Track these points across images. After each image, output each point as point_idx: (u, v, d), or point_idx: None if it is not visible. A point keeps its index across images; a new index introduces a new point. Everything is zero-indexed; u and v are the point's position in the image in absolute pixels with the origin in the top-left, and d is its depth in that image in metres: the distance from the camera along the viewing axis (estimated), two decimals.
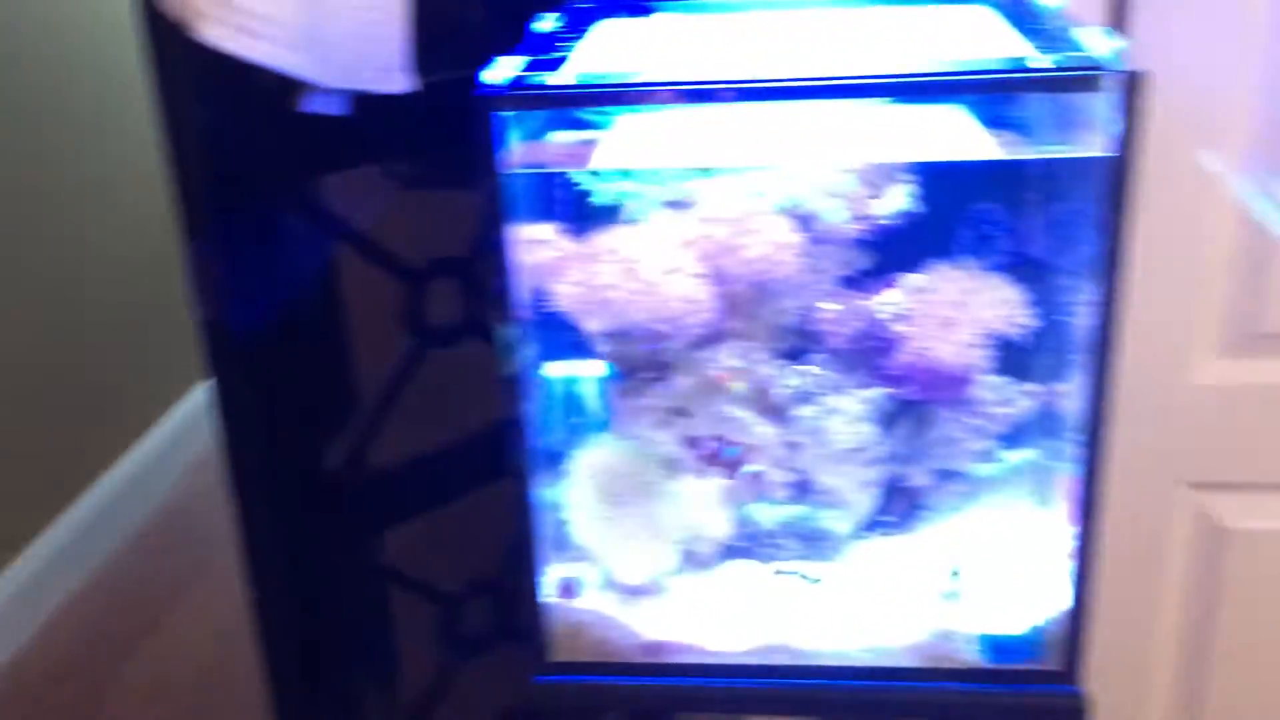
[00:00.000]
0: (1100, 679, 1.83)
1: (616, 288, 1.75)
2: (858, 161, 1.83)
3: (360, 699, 2.46)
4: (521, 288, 1.75)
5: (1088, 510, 1.54)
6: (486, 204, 1.52)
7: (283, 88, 1.55)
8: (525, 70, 1.60)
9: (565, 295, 1.78)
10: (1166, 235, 1.96)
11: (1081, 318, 1.60)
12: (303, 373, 2.15)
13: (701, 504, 1.88)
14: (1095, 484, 1.52)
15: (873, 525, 1.84)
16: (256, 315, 1.86)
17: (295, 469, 2.10)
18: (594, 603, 1.73)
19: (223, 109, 1.60)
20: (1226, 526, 1.90)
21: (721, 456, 1.73)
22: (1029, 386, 1.95)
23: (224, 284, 1.64)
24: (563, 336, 1.96)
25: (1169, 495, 1.92)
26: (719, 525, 1.91)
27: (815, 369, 1.81)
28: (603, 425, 2.01)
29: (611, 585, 1.76)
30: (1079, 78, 1.37)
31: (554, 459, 1.83)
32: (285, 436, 2.08)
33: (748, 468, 1.76)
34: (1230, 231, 1.94)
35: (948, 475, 1.96)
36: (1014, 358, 1.84)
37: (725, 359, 1.86)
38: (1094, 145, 1.49)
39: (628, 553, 1.78)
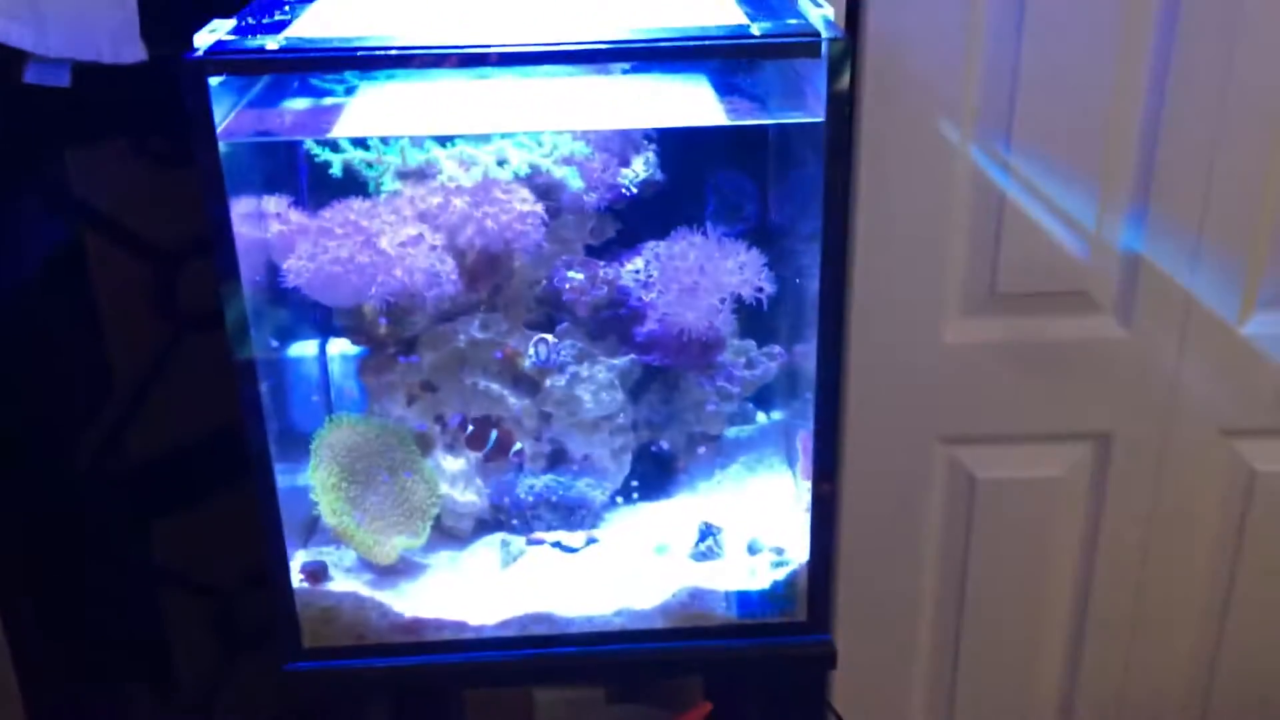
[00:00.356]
0: (866, 625, 1.89)
1: (353, 262, 1.70)
2: (597, 130, 1.83)
3: (130, 697, 2.33)
4: (256, 265, 1.68)
5: (824, 466, 1.58)
6: (202, 175, 1.44)
7: (3, 59, 1.43)
8: (240, 34, 1.53)
9: (300, 271, 1.72)
10: (912, 202, 2.04)
11: (816, 281, 1.68)
12: (48, 363, 2.01)
13: (454, 479, 1.85)
14: (831, 440, 1.57)
15: (627, 491, 1.83)
16: None
17: (44, 464, 1.96)
18: (346, 585, 1.66)
19: None
20: (976, 476, 1.99)
21: (489, 446, 1.70)
22: (772, 350, 2.01)
23: None
24: (301, 314, 1.89)
25: (924, 450, 1.99)
26: (472, 499, 1.89)
27: (557, 339, 1.79)
28: (356, 405, 1.96)
29: (363, 566, 1.71)
30: (789, 43, 1.40)
31: (298, 441, 1.76)
32: (31, 430, 1.93)
33: (515, 448, 1.73)
34: (967, 198, 2.03)
35: (697, 439, 1.99)
36: (757, 322, 1.91)
37: (472, 332, 1.83)
38: (816, 111, 1.53)
39: (378, 532, 1.73)
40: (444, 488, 1.65)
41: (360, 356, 1.80)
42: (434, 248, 1.66)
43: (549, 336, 1.73)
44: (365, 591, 1.60)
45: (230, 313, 1.44)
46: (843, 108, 1.35)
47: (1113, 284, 1.82)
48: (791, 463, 1.88)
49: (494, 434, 1.60)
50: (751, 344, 1.90)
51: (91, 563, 1.94)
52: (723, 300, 1.69)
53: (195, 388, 1.84)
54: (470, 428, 1.60)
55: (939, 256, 1.77)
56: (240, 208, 1.42)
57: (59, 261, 1.88)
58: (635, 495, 1.76)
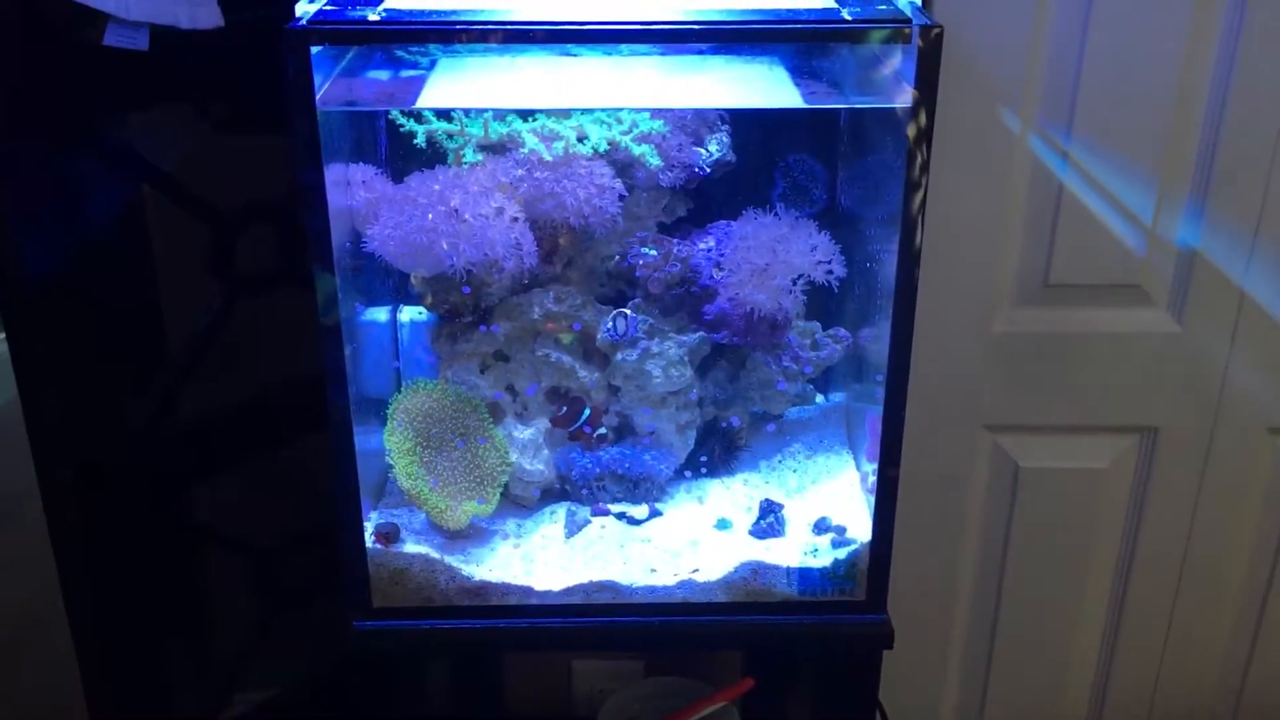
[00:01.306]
0: (902, 611, 1.92)
1: (436, 231, 1.72)
2: (676, 109, 1.85)
3: (170, 653, 2.37)
4: (337, 231, 1.71)
5: (888, 450, 1.60)
6: (298, 142, 1.47)
7: (81, 20, 1.46)
8: (336, 4, 1.56)
9: (384, 238, 1.75)
10: (969, 190, 2.03)
11: (887, 266, 1.64)
12: (105, 323, 2.04)
13: (523, 448, 1.88)
14: (897, 425, 1.58)
15: (692, 466, 1.81)
16: (53, 262, 1.76)
17: (99, 423, 2.00)
18: (416, 548, 1.68)
19: (11, 42, 1.50)
20: (1020, 465, 1.98)
21: (579, 425, 1.72)
22: (839, 332, 2.02)
23: (17, 230, 1.54)
24: (381, 281, 1.92)
25: (969, 437, 1.99)
26: (540, 469, 1.92)
27: (634, 314, 1.81)
28: (424, 371, 1.98)
29: (432, 530, 1.74)
30: (882, 28, 1.41)
31: (374, 406, 1.80)
32: (87, 389, 1.97)
33: (599, 431, 1.74)
34: (1024, 188, 2.03)
35: (762, 417, 2.01)
36: (822, 305, 1.85)
37: (547, 305, 1.86)
38: (896, 97, 1.54)
39: (449, 497, 1.76)
40: (514, 456, 1.66)
41: (433, 324, 1.82)
42: (514, 220, 1.67)
43: (628, 310, 1.75)
44: (435, 554, 1.60)
45: (320, 278, 1.46)
46: (932, 94, 1.36)
47: (1167, 279, 1.81)
48: (854, 446, 1.89)
49: (586, 411, 1.60)
50: (817, 325, 1.91)
51: (140, 520, 1.98)
52: (794, 281, 1.70)
53: (248, 350, 1.86)
54: (564, 408, 1.62)
55: (993, 246, 1.76)
56: (329, 175, 1.43)
57: (120, 222, 1.91)
58: (701, 470, 1.75)
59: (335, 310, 1.36)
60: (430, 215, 1.49)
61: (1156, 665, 2.09)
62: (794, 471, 1.80)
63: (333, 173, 1.54)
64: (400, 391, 1.60)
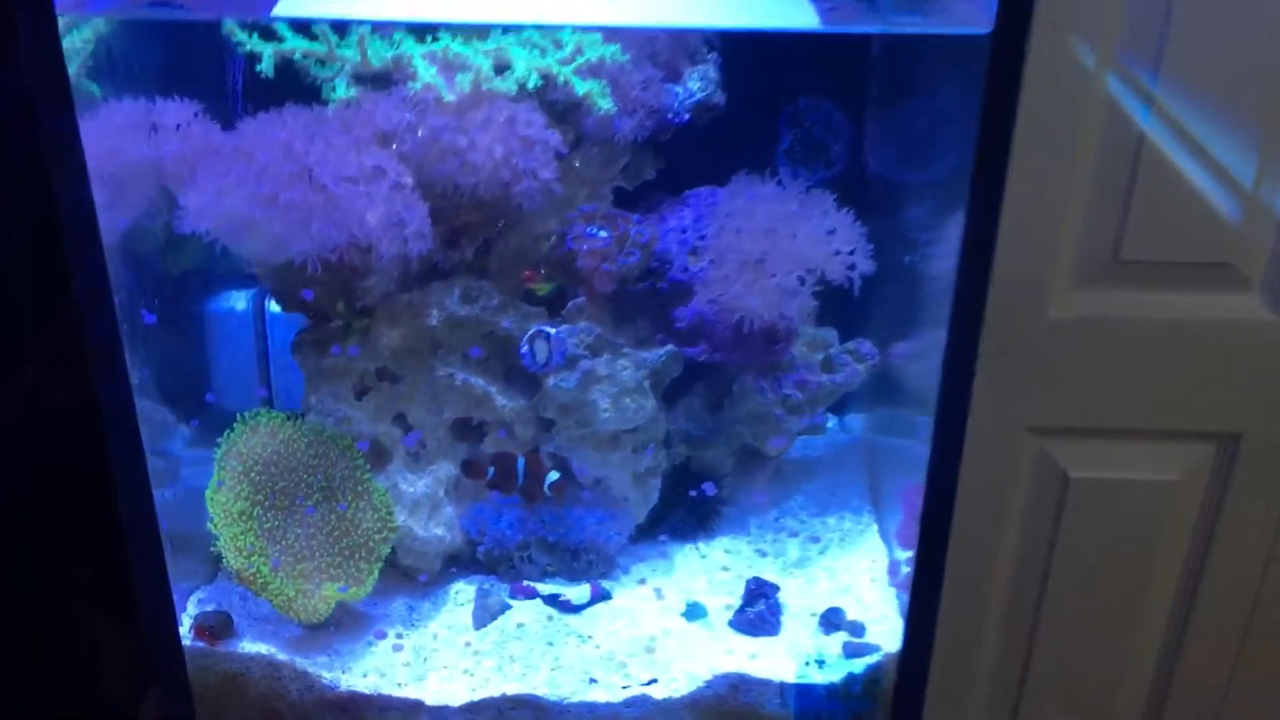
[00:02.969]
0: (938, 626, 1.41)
1: (281, 202, 1.20)
2: (639, 28, 1.32)
3: None
4: (137, 195, 1.20)
5: (934, 537, 1.10)
6: (30, 61, 0.96)
7: None
8: None
9: (203, 210, 1.22)
10: (1025, 142, 1.52)
11: (934, 256, 1.22)
12: None
13: (416, 506, 1.36)
14: (948, 504, 1.08)
15: (654, 531, 1.42)
16: None
17: None
18: (257, 645, 1.28)
19: None
20: (1070, 475, 1.60)
21: (518, 482, 1.33)
22: (861, 347, 1.49)
23: None
24: (204, 270, 1.40)
25: (1012, 441, 1.57)
26: (440, 533, 1.39)
27: (559, 327, 1.29)
28: (270, 398, 1.48)
29: (284, 619, 1.27)
30: None
31: (212, 436, 1.29)
32: None
33: (550, 478, 1.33)
34: (1095, 139, 1.52)
35: (753, 463, 1.49)
36: (844, 309, 1.39)
37: (449, 306, 1.33)
38: (959, 18, 1.04)
39: (302, 577, 1.25)
40: (402, 517, 1.36)
41: (289, 331, 1.31)
42: (399, 186, 1.16)
43: (550, 329, 1.22)
44: (282, 655, 1.27)
45: (81, 266, 0.96)
46: (1023, 18, 0.85)
47: (1264, 257, 1.41)
48: (878, 501, 1.39)
49: (520, 462, 1.31)
50: (832, 335, 1.39)
51: None
52: (801, 280, 1.28)
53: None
54: (491, 469, 1.32)
55: (1053, 212, 1.39)
56: (111, 116, 1.08)
57: None
58: (663, 536, 1.45)
59: (103, 306, 1.07)
60: (274, 178, 1.16)
61: (1216, 710, 1.70)
62: (795, 537, 1.49)
63: (122, 112, 1.04)
64: (232, 430, 1.30)
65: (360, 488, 1.31)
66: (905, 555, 1.27)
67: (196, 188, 1.21)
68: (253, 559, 1.23)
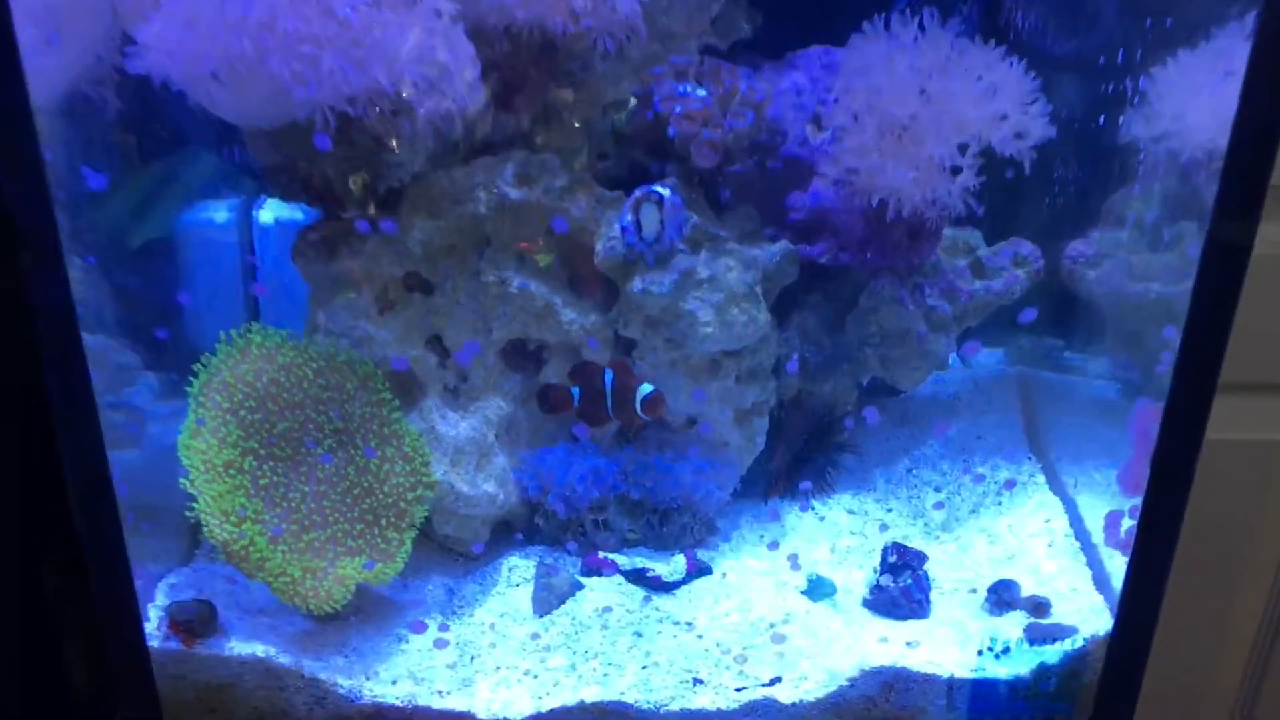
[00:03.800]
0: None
1: (280, 26, 0.88)
2: None
3: None
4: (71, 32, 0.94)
5: (1170, 470, 0.81)
6: None
7: None
8: None
9: (169, 48, 0.90)
10: None
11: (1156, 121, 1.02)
12: None
13: (460, 453, 1.04)
14: (1193, 432, 0.80)
15: (763, 492, 1.16)
16: None
17: None
18: (251, 645, 1.00)
19: None
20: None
21: (607, 404, 1.05)
22: (1021, 248, 1.18)
23: None
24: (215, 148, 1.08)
25: None
26: (492, 490, 1.07)
27: (675, 196, 0.98)
28: (257, 312, 1.16)
29: (285, 611, 1.01)
30: None
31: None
32: None
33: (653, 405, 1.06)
34: None
35: (891, 400, 1.18)
36: (1015, 199, 1.14)
37: (501, 186, 1.01)
38: None
39: (309, 550, 0.93)
40: (440, 469, 1.07)
41: (300, 226, 0.99)
42: (439, 18, 0.93)
43: (664, 191, 0.92)
44: (286, 657, 1.00)
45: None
46: None
47: None
48: (1046, 459, 1.21)
49: (608, 376, 1.04)
50: (975, 237, 1.10)
51: None
52: (962, 149, 1.03)
53: None
54: (576, 387, 1.05)
55: None
56: None
57: None
58: (776, 492, 1.19)
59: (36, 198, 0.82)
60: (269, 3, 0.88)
61: None
62: (938, 492, 1.22)
63: None
64: (214, 354, 1.01)
65: (387, 430, 0.99)
66: (1130, 506, 0.96)
67: (158, 19, 0.89)
68: (244, 527, 0.92)
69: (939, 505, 1.19)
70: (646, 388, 1.00)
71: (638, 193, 0.95)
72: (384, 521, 1.02)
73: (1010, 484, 1.19)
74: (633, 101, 1.05)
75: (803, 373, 1.15)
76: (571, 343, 1.08)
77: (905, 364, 1.15)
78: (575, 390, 1.03)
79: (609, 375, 1.01)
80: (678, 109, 1.02)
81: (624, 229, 0.94)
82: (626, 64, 1.08)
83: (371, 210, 1.03)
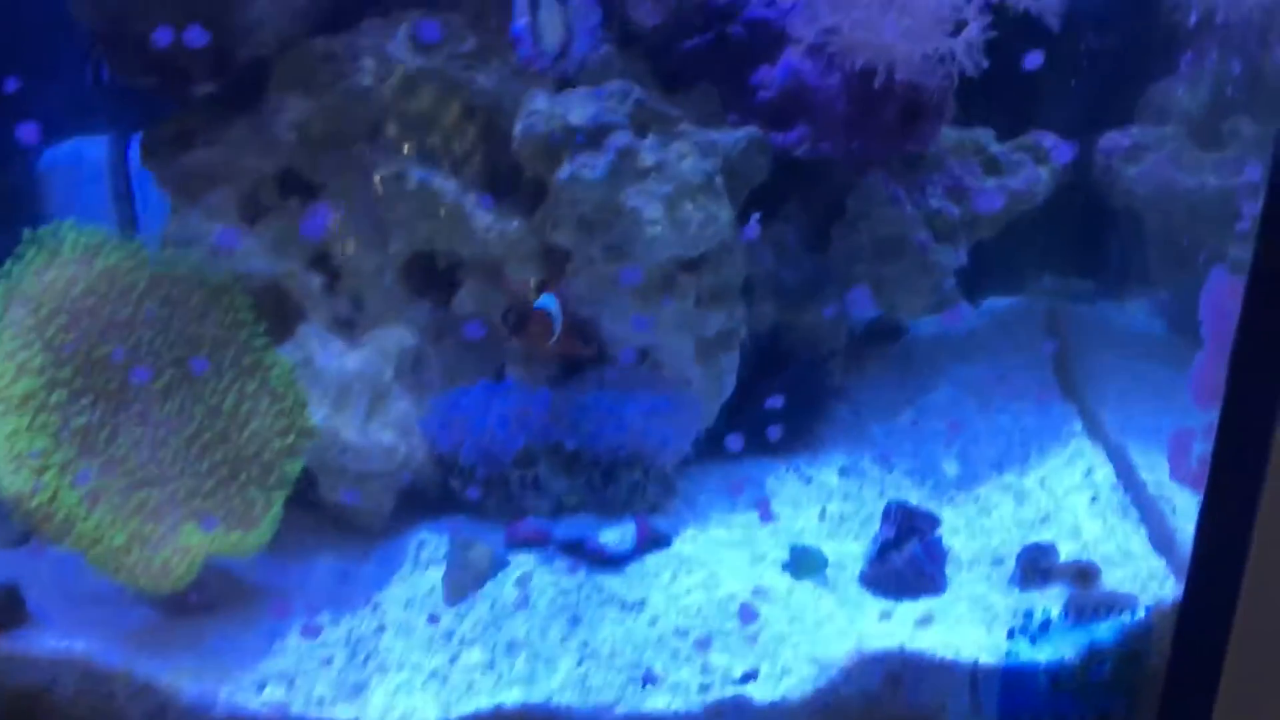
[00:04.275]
0: None
1: None
2: None
3: None
4: None
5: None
6: None
7: None
8: None
9: None
10: None
11: None
12: None
13: (344, 393, 0.84)
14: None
15: (731, 432, 0.97)
16: None
17: None
18: (67, 640, 0.83)
19: None
20: None
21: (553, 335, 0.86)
22: (1043, 140, 0.98)
23: None
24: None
25: None
26: (392, 440, 0.86)
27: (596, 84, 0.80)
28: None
29: (117, 595, 0.86)
30: None
31: None
32: None
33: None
34: None
35: (875, 336, 1.04)
36: (1032, 85, 0.93)
37: (391, 49, 0.82)
38: None
39: (138, 513, 0.72)
40: (321, 412, 0.88)
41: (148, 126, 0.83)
42: None
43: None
44: (116, 657, 0.82)
45: None
46: None
47: None
48: (1084, 404, 1.02)
49: (550, 303, 0.83)
50: (985, 135, 1.02)
51: None
52: (963, 17, 0.86)
53: None
54: (509, 311, 0.83)
55: None
56: None
57: None
58: (746, 443, 0.95)
59: None
60: None
61: None
62: (950, 446, 1.00)
63: None
64: (16, 259, 0.80)
65: (247, 360, 0.79)
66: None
67: None
68: (46, 477, 0.68)
69: (953, 456, 0.97)
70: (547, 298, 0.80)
71: None
72: (244, 477, 0.82)
73: (1042, 432, 0.98)
74: None
75: (779, 296, 0.94)
76: (490, 253, 0.88)
77: (905, 284, 0.99)
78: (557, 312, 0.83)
79: (550, 304, 0.80)
80: None
81: (516, 36, 0.74)
82: None
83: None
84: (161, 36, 0.82)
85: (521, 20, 0.74)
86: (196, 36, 0.81)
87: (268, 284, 0.90)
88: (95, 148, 1.13)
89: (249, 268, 0.87)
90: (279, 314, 0.90)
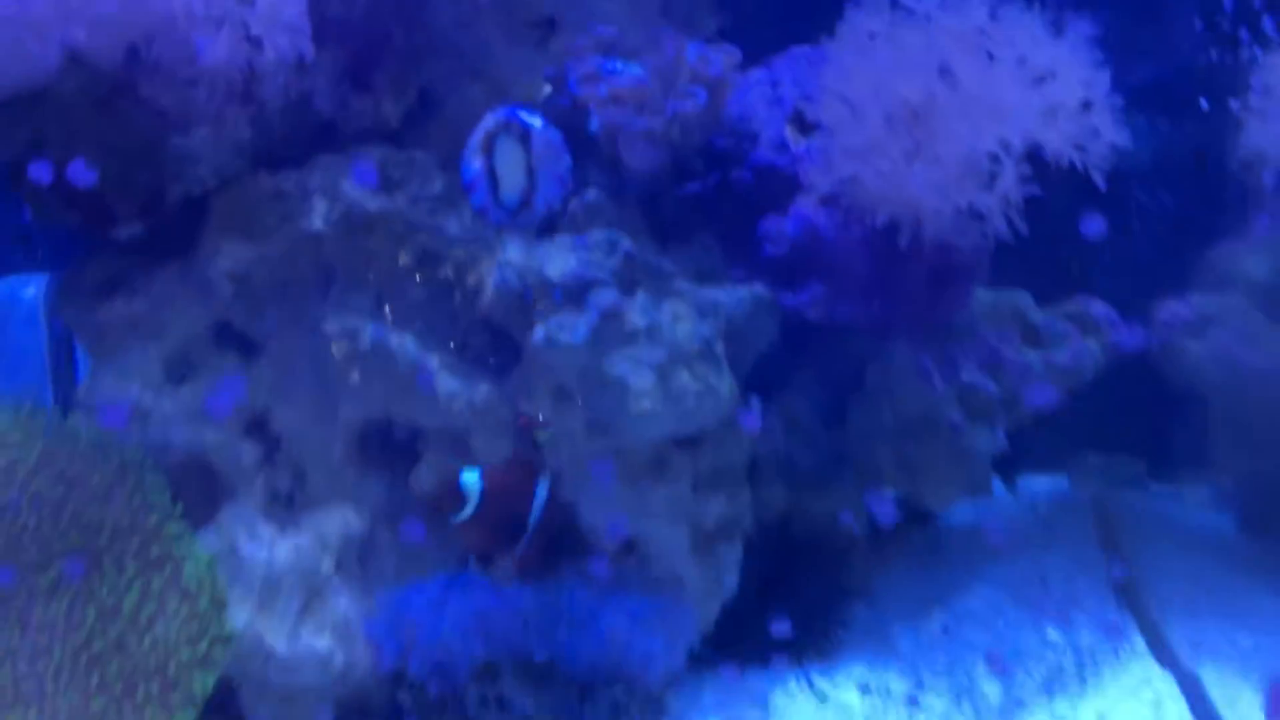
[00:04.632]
0: None
1: None
2: None
3: None
4: None
5: None
6: None
7: None
8: None
9: None
10: None
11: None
12: None
13: (278, 589, 0.71)
14: None
15: (730, 647, 0.84)
16: None
17: None
18: None
19: None
20: None
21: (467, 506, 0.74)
22: (1092, 308, 0.88)
23: None
24: None
25: None
26: (328, 647, 0.73)
27: (533, 139, 0.68)
28: None
29: None
30: None
31: None
32: None
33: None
34: None
35: (900, 527, 0.89)
36: (1075, 243, 0.84)
37: (347, 192, 0.72)
38: None
39: None
40: (244, 613, 0.74)
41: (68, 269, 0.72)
42: None
43: (530, 116, 0.62)
44: None
45: None
46: None
47: None
48: (1144, 617, 0.88)
49: (473, 477, 0.72)
50: (1023, 298, 0.92)
51: None
52: (1004, 149, 0.74)
53: None
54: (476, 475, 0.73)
55: None
56: None
57: None
58: (751, 650, 0.84)
59: None
60: None
61: None
62: (986, 672, 0.86)
63: None
64: None
65: (156, 551, 0.65)
66: None
67: None
68: None
69: (995, 675, 0.83)
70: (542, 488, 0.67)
71: (489, 121, 0.62)
72: (142, 695, 0.67)
73: (1097, 650, 0.84)
74: (546, 88, 0.77)
75: (788, 479, 0.82)
76: (455, 427, 0.76)
77: (934, 470, 0.83)
78: (476, 484, 0.70)
79: (473, 479, 0.67)
80: (602, 90, 0.73)
81: (469, 183, 0.62)
82: (543, 55, 0.81)
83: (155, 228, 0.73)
84: (73, 171, 0.72)
85: (474, 164, 0.63)
86: (80, 173, 0.71)
87: (190, 458, 0.75)
88: (32, 286, 1.04)
89: (168, 438, 0.74)
90: (203, 493, 0.77)
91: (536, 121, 0.61)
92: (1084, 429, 1.01)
